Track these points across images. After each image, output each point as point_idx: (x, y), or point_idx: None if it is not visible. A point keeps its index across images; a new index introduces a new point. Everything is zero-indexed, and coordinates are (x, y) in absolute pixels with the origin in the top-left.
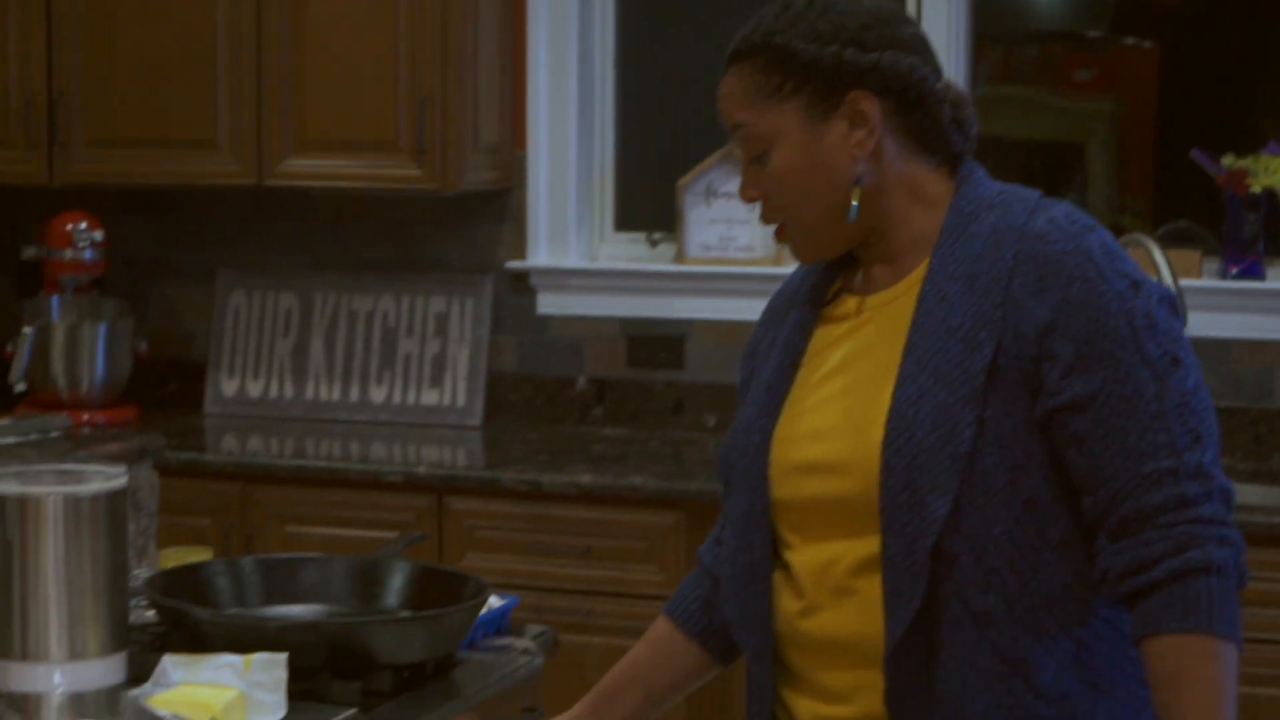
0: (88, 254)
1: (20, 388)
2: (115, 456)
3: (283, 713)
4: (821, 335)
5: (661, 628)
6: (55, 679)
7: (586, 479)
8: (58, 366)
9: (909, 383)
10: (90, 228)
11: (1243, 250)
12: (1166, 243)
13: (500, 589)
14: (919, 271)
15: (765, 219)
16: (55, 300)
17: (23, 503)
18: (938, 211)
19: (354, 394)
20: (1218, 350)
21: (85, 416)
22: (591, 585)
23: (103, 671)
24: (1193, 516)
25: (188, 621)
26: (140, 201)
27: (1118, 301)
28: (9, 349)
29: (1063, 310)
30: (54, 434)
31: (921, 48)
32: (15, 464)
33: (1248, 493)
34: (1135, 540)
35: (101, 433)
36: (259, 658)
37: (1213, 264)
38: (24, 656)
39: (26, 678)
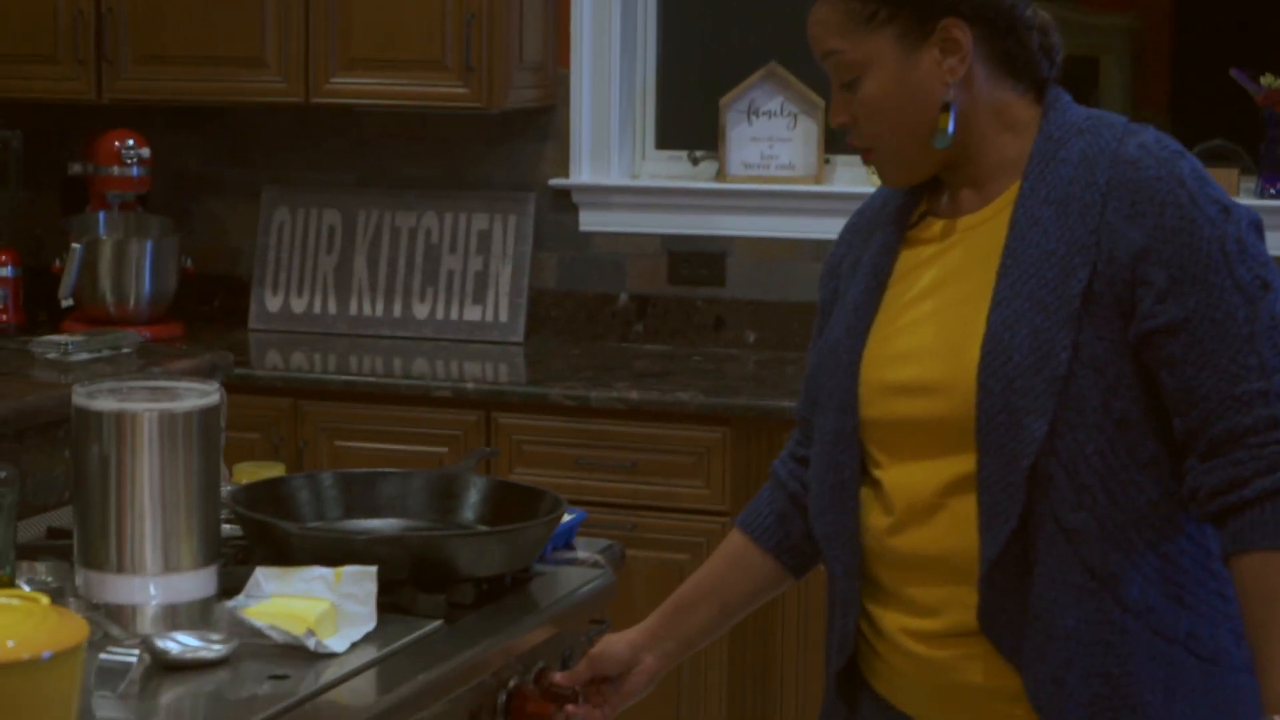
0: (134, 170)
1: (68, 303)
2: (187, 372)
3: (372, 624)
4: (908, 257)
5: (736, 541)
6: (150, 591)
7: (633, 394)
8: (105, 282)
9: (1004, 306)
10: (137, 144)
11: None
12: (1202, 161)
13: None
14: (1009, 195)
15: (855, 143)
16: (102, 216)
17: (119, 418)
18: (1026, 137)
19: (397, 310)
20: None
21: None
22: (638, 499)
23: (196, 584)
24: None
25: (274, 535)
26: (185, 118)
27: (1210, 227)
28: (56, 264)
29: (1156, 236)
30: (125, 350)
31: None
32: (96, 380)
33: None
34: (1226, 460)
35: (170, 349)
36: (350, 570)
37: (1249, 182)
38: (119, 569)
39: (122, 589)
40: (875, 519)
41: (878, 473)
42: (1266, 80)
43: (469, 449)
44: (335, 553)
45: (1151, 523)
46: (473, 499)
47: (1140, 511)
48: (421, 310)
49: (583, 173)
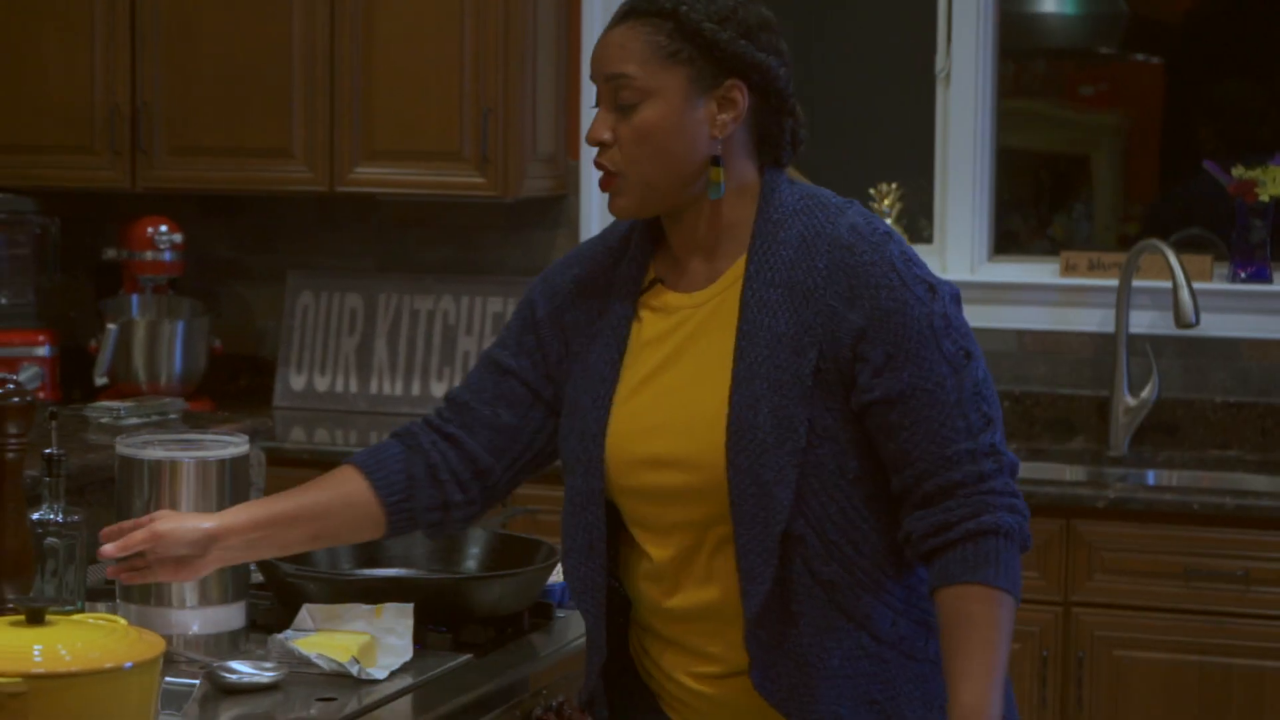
0: (167, 255)
1: (103, 381)
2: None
3: (409, 655)
4: (642, 328)
5: (354, 481)
6: (192, 624)
7: None
8: (138, 361)
9: (743, 386)
10: (170, 231)
11: (1251, 254)
12: (1179, 248)
13: None
14: (734, 271)
15: (603, 163)
16: (135, 299)
17: (159, 466)
18: (751, 207)
19: (415, 388)
20: (1227, 349)
21: None
22: None
23: (228, 616)
24: (987, 489)
25: (279, 576)
26: (215, 206)
27: (919, 306)
28: (92, 344)
29: (873, 317)
30: (172, 416)
31: (789, 63)
32: (145, 433)
33: (1256, 482)
34: (938, 508)
35: (212, 415)
36: (389, 607)
37: (1223, 268)
38: (159, 602)
39: (160, 621)
40: (647, 586)
41: (640, 538)
42: (1237, 172)
43: (485, 518)
44: (341, 597)
45: (893, 562)
46: (474, 550)
47: (882, 555)
48: (439, 389)
49: None
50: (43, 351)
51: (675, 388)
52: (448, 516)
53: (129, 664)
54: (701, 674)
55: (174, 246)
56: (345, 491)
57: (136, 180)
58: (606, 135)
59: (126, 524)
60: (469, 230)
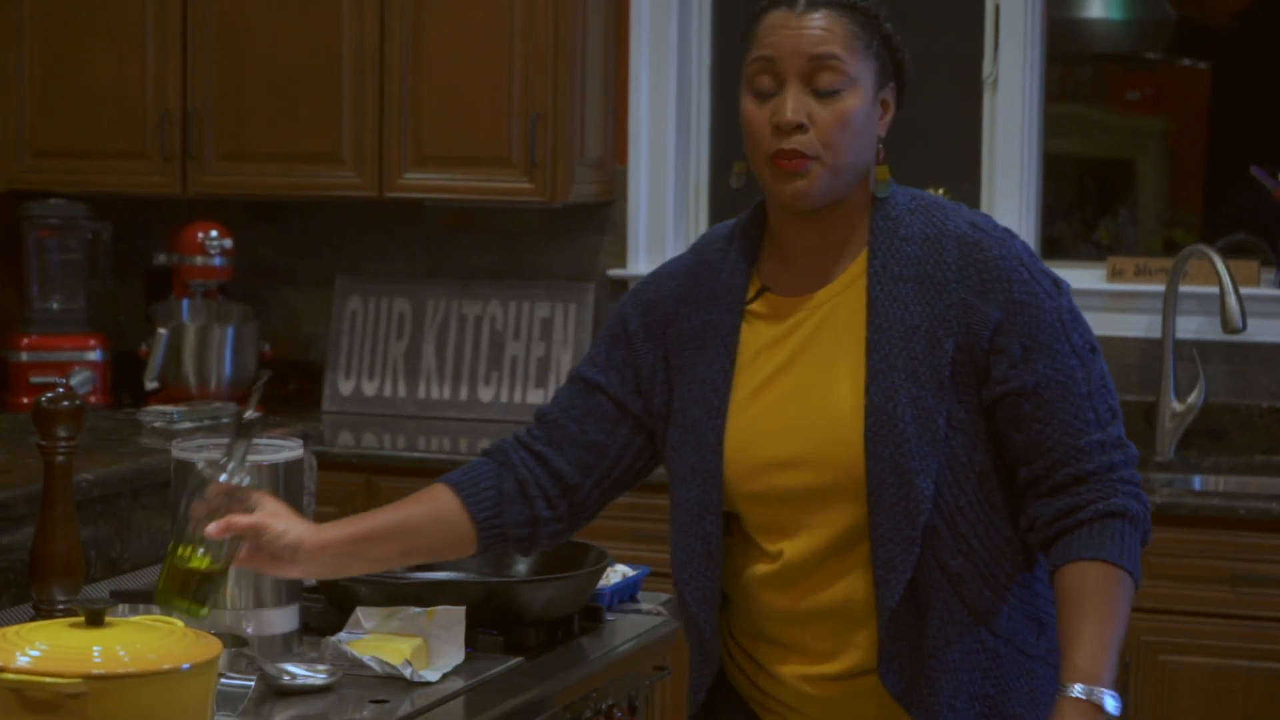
0: (217, 260)
1: (153, 385)
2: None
3: (461, 658)
4: (754, 335)
5: (445, 499)
6: (246, 626)
7: None
8: (188, 365)
9: (880, 378)
10: (220, 236)
11: None
12: (1226, 254)
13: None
14: (855, 269)
15: (796, 146)
16: (185, 304)
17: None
18: (863, 213)
19: (463, 394)
20: (1273, 354)
21: None
22: None
23: (282, 618)
24: (1117, 477)
25: (334, 581)
26: (264, 211)
27: (1048, 300)
28: (143, 348)
29: (1008, 310)
30: (225, 420)
31: None
32: (199, 436)
33: None
34: (1067, 494)
35: (266, 420)
36: (441, 610)
37: (1269, 273)
38: (215, 605)
39: (218, 624)
40: (769, 593)
41: (765, 542)
42: None
43: None
44: (393, 600)
45: (1012, 559)
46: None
47: (1003, 550)
48: (487, 394)
49: (640, 263)
50: (94, 356)
51: (799, 389)
52: (536, 533)
53: (186, 665)
54: (820, 676)
55: (224, 252)
56: (436, 508)
57: (187, 186)
58: (803, 118)
59: (221, 496)
60: (517, 235)
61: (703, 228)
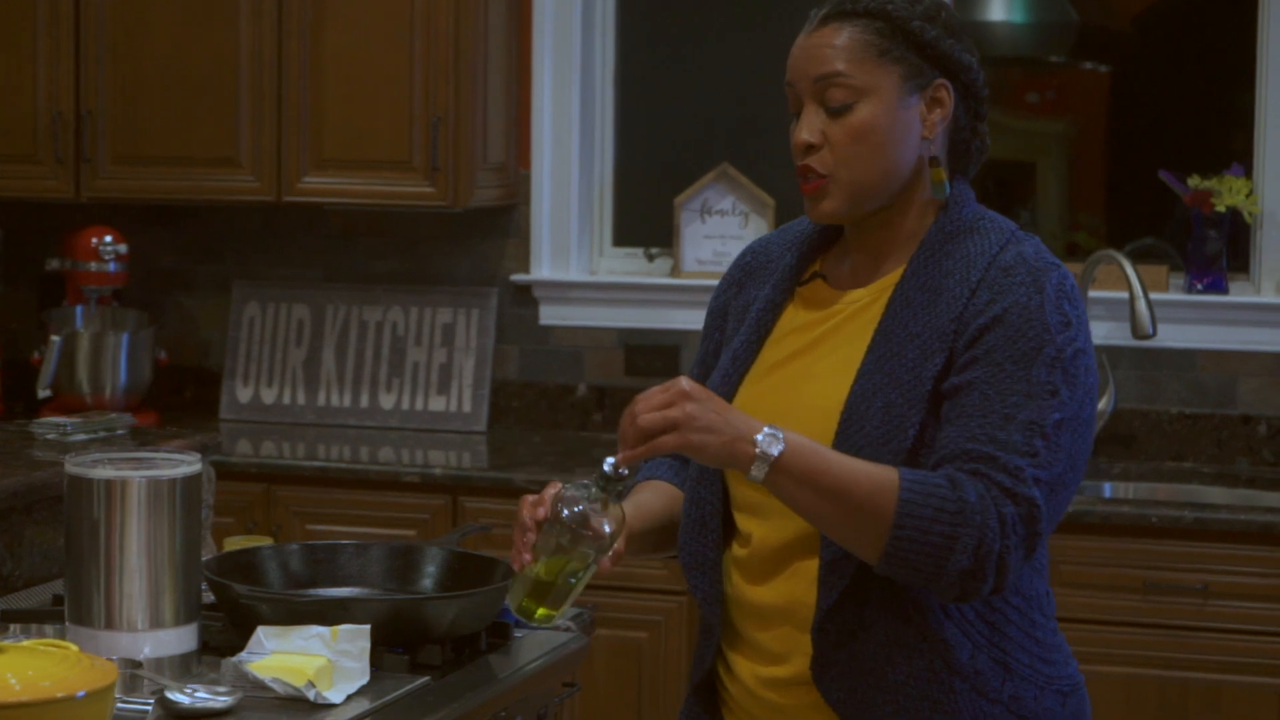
0: (111, 266)
1: (45, 393)
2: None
3: (366, 678)
4: (791, 317)
5: (659, 485)
6: (144, 648)
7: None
8: (82, 373)
9: (865, 378)
10: (115, 241)
11: (1207, 265)
12: (1134, 258)
13: None
14: (892, 276)
15: (812, 165)
16: (79, 310)
17: (109, 485)
18: (930, 217)
19: (364, 400)
20: (1183, 360)
21: None
22: (599, 580)
23: (179, 639)
24: (994, 482)
25: (232, 597)
26: (160, 215)
27: (1041, 331)
28: (35, 356)
29: (993, 323)
30: (120, 431)
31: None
32: (94, 451)
33: (1213, 494)
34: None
35: (163, 431)
36: (345, 629)
37: (1178, 278)
38: (108, 625)
39: (111, 644)
40: (738, 574)
41: (740, 522)
42: (1193, 181)
43: (436, 531)
44: (296, 618)
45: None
46: (430, 569)
47: None
48: (388, 401)
49: (543, 269)
50: None
51: (803, 376)
52: None
53: (81, 693)
54: (769, 678)
55: (119, 257)
56: (664, 493)
57: (81, 189)
58: (816, 138)
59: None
60: (418, 240)
61: (607, 232)
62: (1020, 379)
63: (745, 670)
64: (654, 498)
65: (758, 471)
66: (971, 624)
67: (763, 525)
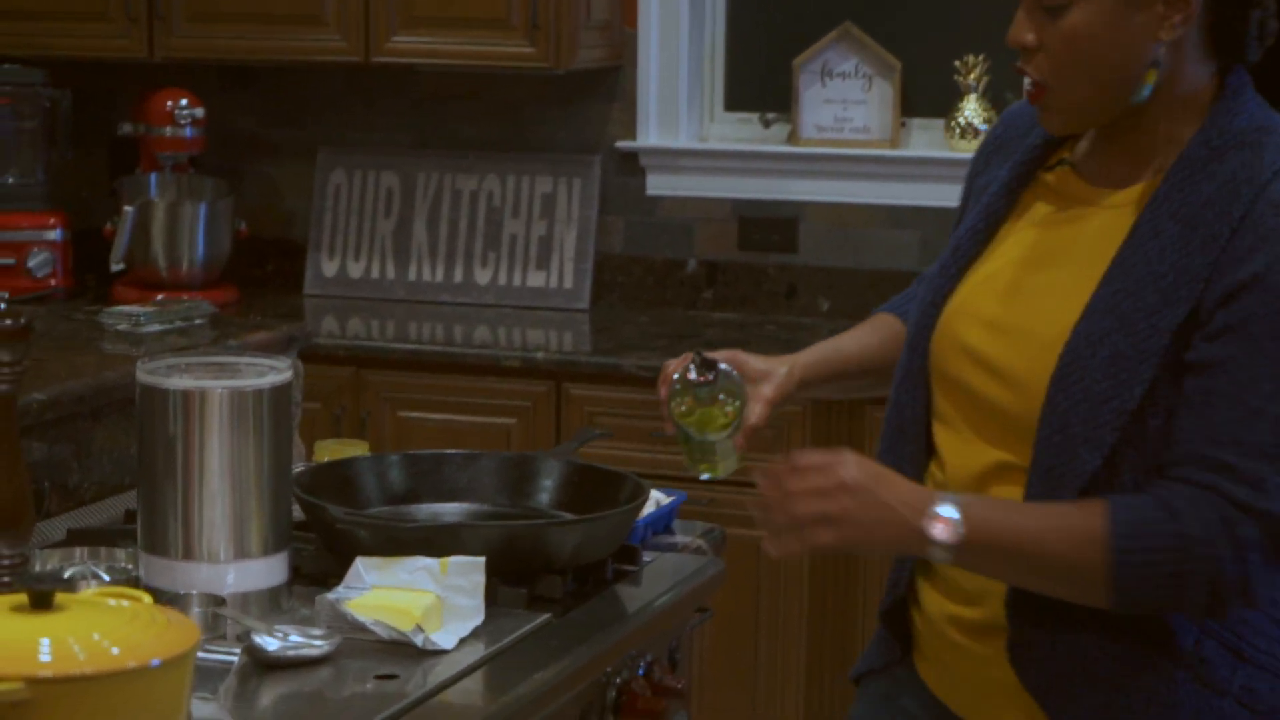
0: (187, 131)
1: (119, 267)
2: (264, 346)
3: (480, 618)
4: (1030, 206)
5: (892, 325)
6: (221, 578)
7: None
8: (158, 245)
9: (1093, 317)
10: (191, 104)
11: None
12: None
13: None
14: (1146, 186)
15: (1029, 71)
16: (153, 178)
17: (187, 396)
18: (1196, 120)
19: (458, 275)
20: None
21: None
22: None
23: (267, 571)
24: (1229, 499)
25: (327, 520)
26: (239, 77)
27: None
28: (108, 226)
29: (1253, 281)
30: (199, 321)
31: None
32: (169, 354)
33: None
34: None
35: (246, 321)
36: (456, 561)
37: None
38: (186, 555)
39: (190, 576)
40: (932, 487)
41: (939, 438)
42: None
43: (538, 420)
44: (384, 541)
45: None
46: (548, 483)
47: None
48: (483, 276)
49: (650, 135)
50: (53, 235)
51: (1030, 286)
52: None
53: (156, 661)
54: (959, 617)
55: (195, 121)
56: (886, 335)
57: (154, 49)
58: (1030, 37)
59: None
60: (515, 104)
61: (719, 95)
62: (1268, 360)
63: (934, 605)
64: (856, 342)
65: (941, 558)
66: None
67: (958, 451)
